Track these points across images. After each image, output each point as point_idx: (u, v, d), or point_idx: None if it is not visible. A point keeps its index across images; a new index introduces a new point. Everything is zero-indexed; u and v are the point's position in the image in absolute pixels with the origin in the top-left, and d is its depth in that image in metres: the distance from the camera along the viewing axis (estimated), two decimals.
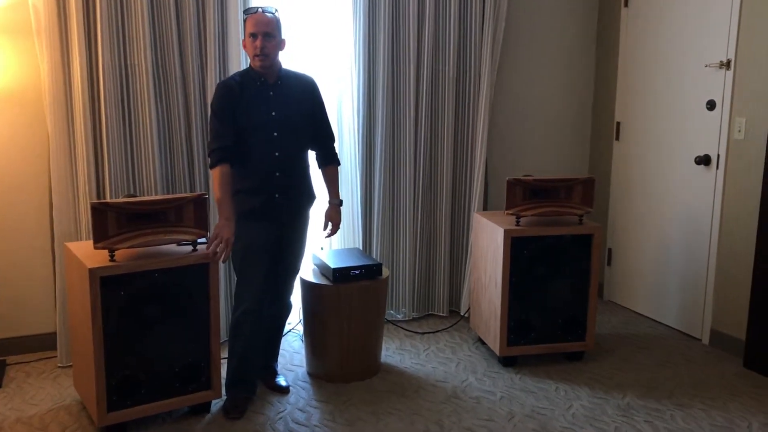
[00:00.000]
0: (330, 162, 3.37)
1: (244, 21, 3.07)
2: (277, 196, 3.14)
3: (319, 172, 3.40)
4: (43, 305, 3.69)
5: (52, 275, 3.67)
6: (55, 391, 3.33)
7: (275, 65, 3.10)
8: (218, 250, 2.93)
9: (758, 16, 3.60)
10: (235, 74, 3.17)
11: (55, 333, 3.66)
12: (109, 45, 3.42)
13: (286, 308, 3.43)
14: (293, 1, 3.87)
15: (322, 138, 3.32)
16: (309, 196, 3.30)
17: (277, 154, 3.12)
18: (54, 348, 3.67)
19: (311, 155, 3.35)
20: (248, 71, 3.13)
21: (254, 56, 3.04)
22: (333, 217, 3.40)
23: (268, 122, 3.09)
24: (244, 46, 3.11)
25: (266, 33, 3.01)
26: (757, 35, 3.61)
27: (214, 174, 3.01)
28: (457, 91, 4.24)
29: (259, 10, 3.03)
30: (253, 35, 3.02)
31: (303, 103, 3.19)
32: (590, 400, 3.30)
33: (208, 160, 3.08)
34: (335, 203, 3.40)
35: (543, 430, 3.03)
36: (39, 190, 3.61)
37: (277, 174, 3.13)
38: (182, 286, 2.94)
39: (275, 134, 3.11)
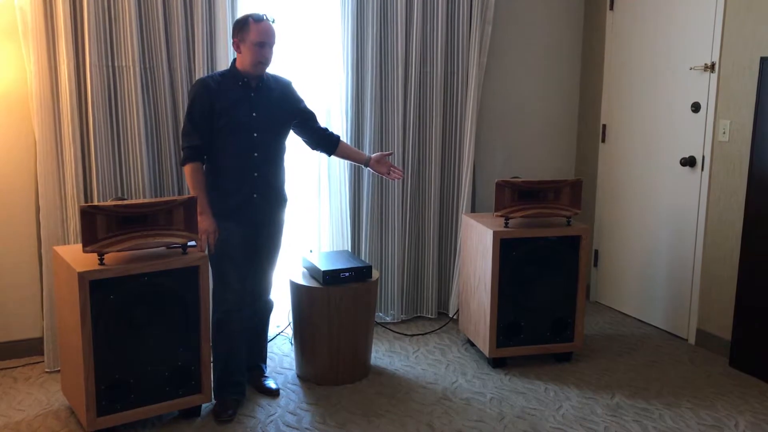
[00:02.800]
0: (336, 138, 3.42)
1: (247, 25, 3.03)
2: (255, 196, 3.17)
3: (332, 159, 3.47)
4: (30, 310, 3.66)
5: (39, 279, 3.63)
6: (43, 396, 3.30)
7: None
8: (203, 249, 3.03)
9: (742, 19, 3.65)
10: (215, 73, 3.18)
11: (41, 338, 3.63)
12: (97, 47, 3.39)
13: (268, 305, 3.45)
14: (282, 3, 3.87)
15: (316, 125, 3.38)
16: (284, 198, 3.32)
17: (256, 154, 3.14)
18: (41, 353, 3.64)
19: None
20: (231, 71, 3.14)
21: (258, 63, 3.06)
22: (380, 158, 3.45)
23: (249, 123, 3.11)
24: (236, 47, 3.08)
25: (272, 43, 3.08)
26: (740, 38, 3.66)
27: (185, 171, 3.09)
28: (445, 93, 4.25)
29: (265, 17, 3.05)
30: (262, 44, 3.04)
31: (284, 103, 3.23)
32: (579, 401, 3.33)
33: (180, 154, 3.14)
34: (370, 156, 3.47)
35: (533, 430, 3.05)
36: (26, 194, 3.58)
37: (256, 174, 3.15)
38: (172, 290, 2.93)
39: (255, 135, 3.13)
